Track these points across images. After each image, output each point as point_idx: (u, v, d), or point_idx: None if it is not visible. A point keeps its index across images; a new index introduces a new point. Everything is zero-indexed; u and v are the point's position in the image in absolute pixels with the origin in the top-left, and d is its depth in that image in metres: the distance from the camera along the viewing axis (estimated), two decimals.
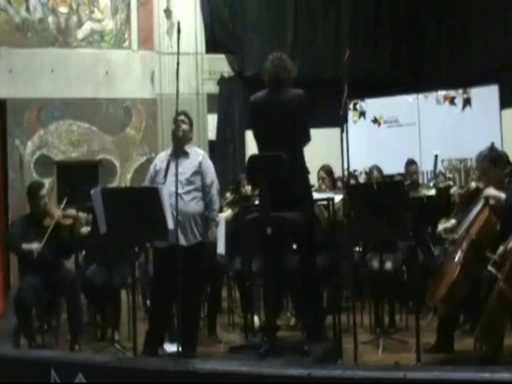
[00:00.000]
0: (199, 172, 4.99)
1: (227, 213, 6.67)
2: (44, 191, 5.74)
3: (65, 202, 5.79)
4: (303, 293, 4.70)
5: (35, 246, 5.41)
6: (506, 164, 4.66)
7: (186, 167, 4.96)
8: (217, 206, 5.12)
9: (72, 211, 5.72)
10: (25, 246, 5.45)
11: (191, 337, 4.93)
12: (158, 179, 5.00)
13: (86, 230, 5.84)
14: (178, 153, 4.89)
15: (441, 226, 5.17)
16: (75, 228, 5.70)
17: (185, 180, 4.91)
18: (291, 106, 4.48)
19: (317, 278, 4.71)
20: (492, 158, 4.59)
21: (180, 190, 4.71)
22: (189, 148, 5.08)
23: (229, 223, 6.34)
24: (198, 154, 5.08)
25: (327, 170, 6.32)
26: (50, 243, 5.47)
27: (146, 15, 10.61)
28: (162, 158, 5.14)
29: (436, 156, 6.31)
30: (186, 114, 5.15)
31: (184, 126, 5.06)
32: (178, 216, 4.58)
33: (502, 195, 4.33)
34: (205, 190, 5.01)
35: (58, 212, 5.64)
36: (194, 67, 10.56)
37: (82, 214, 5.71)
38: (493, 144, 4.88)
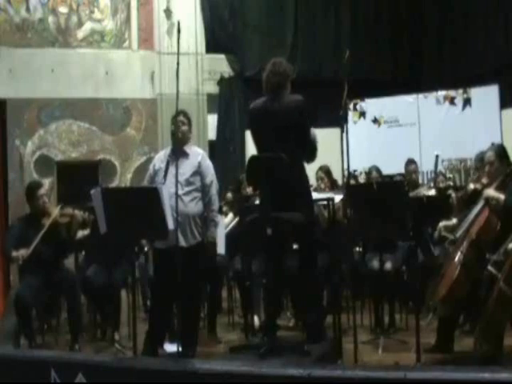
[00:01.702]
0: (198, 172, 4.98)
1: (229, 218, 6.67)
2: (42, 191, 5.71)
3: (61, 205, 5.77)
4: (303, 293, 4.70)
5: (22, 253, 5.35)
6: (508, 164, 4.67)
7: (186, 168, 4.94)
8: (216, 205, 5.11)
9: (69, 209, 5.70)
10: (14, 253, 5.38)
11: (191, 337, 4.93)
12: (158, 179, 4.99)
13: (81, 234, 5.84)
14: (178, 153, 4.88)
15: (441, 224, 5.16)
16: (72, 226, 5.67)
17: (184, 181, 4.90)
18: (290, 112, 4.44)
19: (317, 277, 4.71)
20: (499, 152, 4.64)
21: (180, 191, 4.69)
22: (188, 148, 5.06)
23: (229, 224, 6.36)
24: (197, 154, 5.07)
25: (325, 170, 6.32)
26: (47, 242, 5.46)
27: (146, 15, 10.61)
28: (161, 158, 5.12)
29: (437, 156, 6.30)
30: (184, 114, 5.11)
31: (183, 128, 5.03)
32: (178, 217, 4.57)
33: (501, 196, 4.34)
34: (204, 189, 4.99)
35: (55, 211, 5.62)
36: (194, 67, 10.57)
37: (78, 212, 5.67)
38: (493, 144, 4.89)
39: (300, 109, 4.46)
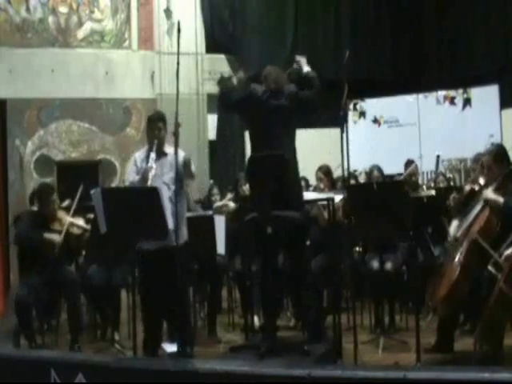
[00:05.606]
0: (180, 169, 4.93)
1: (225, 201, 6.65)
2: (55, 196, 5.68)
3: (74, 207, 5.73)
4: (300, 292, 4.70)
5: (56, 238, 5.35)
6: (508, 164, 4.65)
7: (169, 167, 4.88)
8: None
9: (81, 222, 5.68)
10: (47, 235, 5.37)
11: (186, 335, 4.87)
12: (146, 176, 4.87)
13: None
14: (158, 154, 4.85)
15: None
16: (82, 238, 5.68)
17: (169, 179, 4.83)
18: (286, 105, 4.54)
19: (312, 277, 4.71)
20: (497, 155, 4.60)
21: (169, 193, 4.69)
22: (167, 148, 5.00)
23: (229, 221, 6.34)
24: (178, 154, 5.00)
25: (325, 171, 6.30)
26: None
27: (146, 15, 10.63)
28: (141, 157, 5.02)
29: (438, 156, 6.31)
30: (160, 118, 5.02)
31: (161, 134, 4.96)
32: (177, 216, 4.55)
33: (500, 199, 4.33)
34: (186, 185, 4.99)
35: (68, 219, 5.61)
36: (194, 67, 10.58)
37: (88, 226, 5.67)
38: (491, 136, 4.84)
39: (294, 98, 4.60)
